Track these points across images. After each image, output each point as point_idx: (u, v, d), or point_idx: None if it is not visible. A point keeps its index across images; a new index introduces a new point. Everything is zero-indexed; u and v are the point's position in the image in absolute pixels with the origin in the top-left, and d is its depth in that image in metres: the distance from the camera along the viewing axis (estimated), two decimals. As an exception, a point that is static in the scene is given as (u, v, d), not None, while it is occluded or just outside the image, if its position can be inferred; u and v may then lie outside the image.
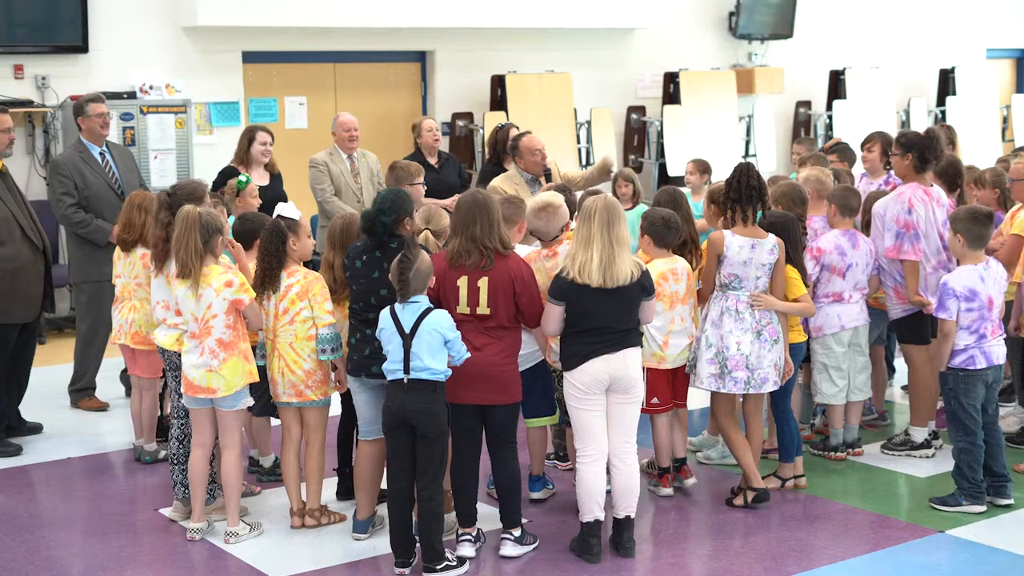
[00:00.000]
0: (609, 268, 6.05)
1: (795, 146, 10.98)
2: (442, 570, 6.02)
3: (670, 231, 6.96)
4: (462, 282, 6.08)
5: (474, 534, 6.29)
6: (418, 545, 6.09)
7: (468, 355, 6.03)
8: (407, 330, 5.93)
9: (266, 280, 6.53)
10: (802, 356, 7.37)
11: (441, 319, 5.97)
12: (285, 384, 6.57)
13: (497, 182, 9.13)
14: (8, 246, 8.10)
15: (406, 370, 5.94)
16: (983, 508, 6.89)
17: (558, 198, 6.78)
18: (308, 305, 6.52)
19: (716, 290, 6.82)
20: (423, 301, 6.00)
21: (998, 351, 6.92)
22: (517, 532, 6.29)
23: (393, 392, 6.02)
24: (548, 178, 9.20)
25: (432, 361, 5.93)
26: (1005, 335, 7.13)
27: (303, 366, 6.55)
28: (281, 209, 6.63)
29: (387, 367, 6.03)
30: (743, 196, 6.75)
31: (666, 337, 6.91)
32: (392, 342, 5.98)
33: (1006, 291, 7.21)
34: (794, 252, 7.02)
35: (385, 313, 6.04)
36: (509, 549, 6.25)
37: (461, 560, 6.14)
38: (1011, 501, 6.98)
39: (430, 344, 5.92)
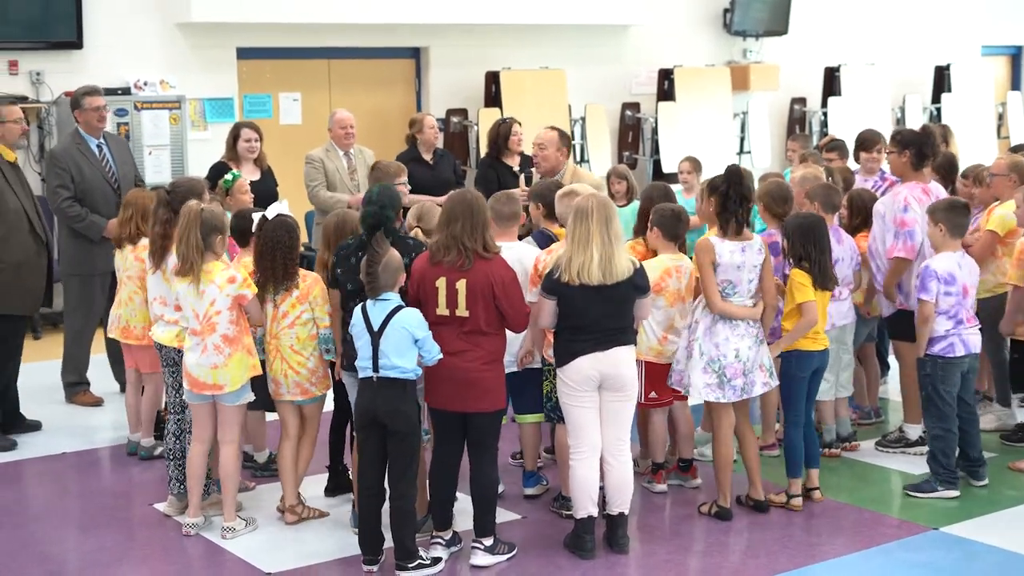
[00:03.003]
0: (608, 266, 6.05)
1: (790, 143, 10.99)
2: (414, 568, 6.00)
3: (680, 224, 6.97)
4: (441, 283, 6.03)
5: (448, 537, 6.26)
6: (388, 545, 6.07)
7: (440, 355, 6.00)
8: (376, 328, 5.92)
9: (278, 277, 6.48)
10: (826, 363, 7.16)
11: (410, 317, 5.94)
12: (290, 384, 6.57)
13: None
14: (16, 239, 8.11)
15: (375, 368, 5.93)
16: (956, 493, 7.08)
17: (585, 187, 6.77)
18: (309, 308, 6.52)
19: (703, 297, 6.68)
20: (393, 299, 5.97)
21: (975, 339, 7.12)
22: (489, 541, 6.19)
23: (363, 390, 6.02)
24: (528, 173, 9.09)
25: (400, 360, 5.90)
26: (980, 328, 7.24)
27: (307, 365, 6.57)
28: (276, 209, 6.60)
29: (358, 364, 6.03)
30: (736, 204, 6.59)
31: (665, 333, 6.90)
32: (362, 339, 5.97)
33: (988, 288, 7.70)
34: (820, 255, 6.86)
35: (357, 310, 6.03)
36: (480, 558, 6.17)
37: (435, 560, 6.11)
38: (985, 482, 7.24)
39: (398, 343, 5.90)
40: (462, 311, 6.02)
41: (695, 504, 6.96)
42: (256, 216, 6.69)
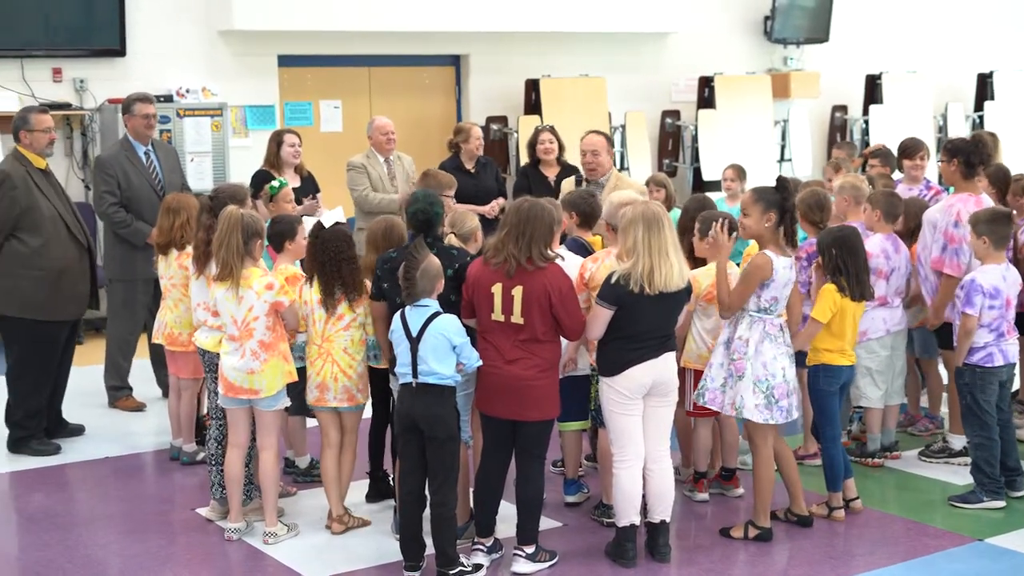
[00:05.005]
0: (682, 272, 6.07)
1: (835, 151, 10.94)
2: (455, 575, 5.99)
3: (734, 232, 6.93)
4: (496, 289, 6.01)
5: (489, 544, 6.25)
6: (429, 551, 6.08)
7: (480, 362, 6.01)
8: (414, 334, 5.92)
9: (347, 287, 6.46)
10: (852, 379, 7.08)
11: (448, 324, 5.93)
12: (338, 389, 6.54)
13: (566, 182, 9.14)
14: (55, 245, 8.15)
15: (414, 374, 5.93)
16: (1003, 503, 7.03)
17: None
18: (364, 311, 6.53)
19: (748, 315, 6.47)
20: (432, 305, 5.97)
21: (1013, 350, 7.11)
22: (530, 548, 6.18)
23: (402, 396, 6.03)
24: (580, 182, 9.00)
25: (439, 365, 5.90)
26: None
27: (357, 370, 6.56)
28: (331, 216, 6.62)
29: (397, 370, 6.04)
30: (790, 215, 6.45)
31: (714, 340, 6.85)
32: (401, 345, 5.98)
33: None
34: (854, 265, 6.74)
35: (396, 316, 6.04)
36: (521, 566, 6.15)
37: (476, 567, 6.10)
38: (1023, 493, 7.17)
39: (436, 348, 5.90)
40: (517, 318, 6.00)
41: (738, 514, 6.92)
42: (308, 222, 6.70)
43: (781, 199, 6.43)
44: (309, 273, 6.61)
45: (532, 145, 10.19)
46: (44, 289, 8.08)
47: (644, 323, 6.06)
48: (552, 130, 10.25)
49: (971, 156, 7.64)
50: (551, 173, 10.06)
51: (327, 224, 6.54)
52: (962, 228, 7.47)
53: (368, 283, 6.55)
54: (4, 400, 8.30)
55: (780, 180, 6.55)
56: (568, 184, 8.99)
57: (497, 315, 6.03)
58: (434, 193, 6.49)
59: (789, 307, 6.59)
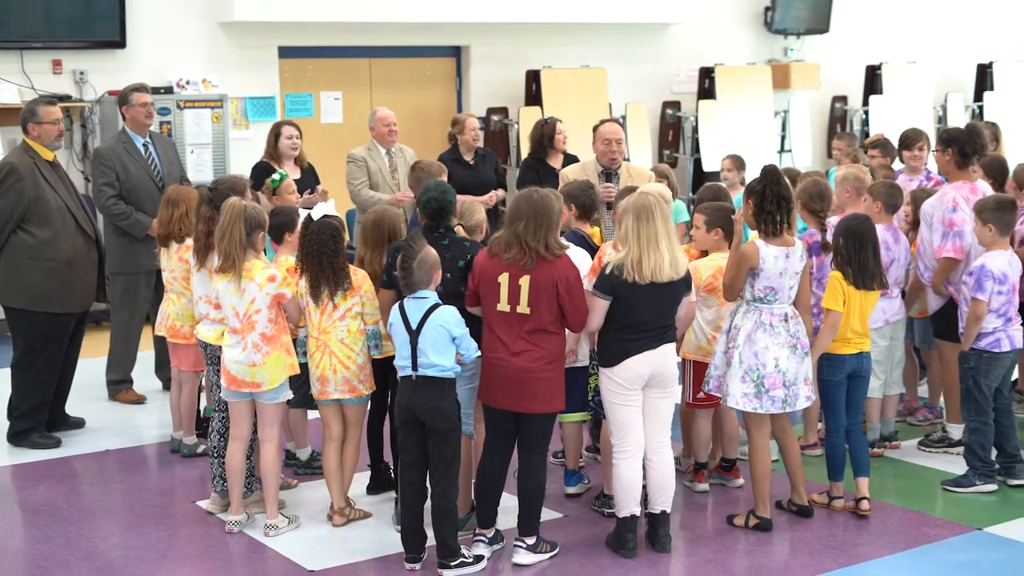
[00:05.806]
0: (674, 263, 6.06)
1: (836, 142, 10.93)
2: (457, 566, 6.00)
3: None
4: (503, 279, 6.01)
5: (490, 535, 6.26)
6: (431, 543, 6.09)
7: (478, 353, 6.02)
8: (413, 326, 5.93)
9: (328, 279, 6.43)
10: (864, 367, 6.97)
11: (447, 315, 5.94)
12: (338, 381, 6.53)
13: (568, 170, 9.02)
14: (63, 237, 8.14)
15: (414, 367, 5.94)
16: (994, 487, 7.13)
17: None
18: (360, 302, 6.52)
19: (745, 303, 6.51)
20: (431, 297, 5.98)
21: (1018, 336, 7.17)
22: (531, 540, 6.19)
23: (403, 388, 6.03)
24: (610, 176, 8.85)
25: (438, 358, 5.91)
26: None
27: (356, 360, 6.54)
28: (322, 209, 6.60)
29: (397, 363, 6.04)
30: (773, 205, 6.39)
31: (714, 332, 6.84)
32: (400, 337, 5.98)
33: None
34: (859, 253, 6.72)
35: (395, 308, 6.05)
36: (521, 557, 6.17)
37: (477, 558, 6.11)
38: (1022, 481, 7.21)
39: (436, 340, 5.91)
40: (523, 308, 6.00)
41: (737, 504, 6.94)
42: (302, 215, 6.71)
43: (761, 186, 6.42)
44: (300, 266, 6.62)
45: (547, 137, 10.08)
46: (52, 281, 8.08)
47: (641, 313, 6.07)
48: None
49: (965, 146, 7.67)
50: (556, 164, 10.05)
51: (316, 216, 6.53)
52: (960, 212, 7.49)
53: (356, 273, 6.54)
54: (7, 392, 8.30)
55: (763, 168, 6.54)
56: (573, 172, 8.88)
57: (503, 305, 6.03)
58: (446, 183, 6.52)
59: (798, 295, 6.57)
